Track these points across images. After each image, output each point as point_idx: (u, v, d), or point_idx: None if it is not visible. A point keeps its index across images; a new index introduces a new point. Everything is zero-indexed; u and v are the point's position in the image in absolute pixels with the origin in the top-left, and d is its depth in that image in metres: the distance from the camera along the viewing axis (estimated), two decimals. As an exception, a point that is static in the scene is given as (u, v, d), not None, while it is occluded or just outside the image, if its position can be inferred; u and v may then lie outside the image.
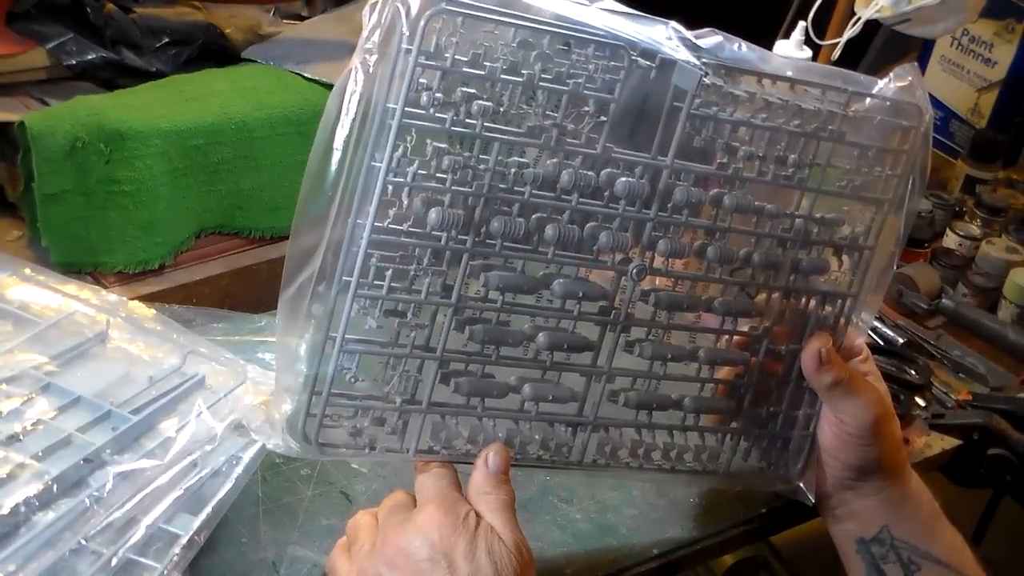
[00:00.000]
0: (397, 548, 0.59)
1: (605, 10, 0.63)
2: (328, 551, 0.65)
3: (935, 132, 1.45)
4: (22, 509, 0.64)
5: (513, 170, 0.63)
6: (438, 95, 0.59)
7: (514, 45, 0.61)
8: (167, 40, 1.13)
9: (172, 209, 1.01)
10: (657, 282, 0.71)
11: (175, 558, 0.65)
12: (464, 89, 0.60)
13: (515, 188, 0.63)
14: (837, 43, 1.13)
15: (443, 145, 0.61)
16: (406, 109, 0.59)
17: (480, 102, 0.60)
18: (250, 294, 1.03)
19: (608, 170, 0.65)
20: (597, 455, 0.72)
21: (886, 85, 0.72)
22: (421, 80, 0.59)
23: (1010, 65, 1.43)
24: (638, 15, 0.64)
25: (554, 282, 0.66)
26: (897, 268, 0.76)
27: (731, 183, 0.70)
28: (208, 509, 0.68)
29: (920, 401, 1.02)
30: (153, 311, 0.84)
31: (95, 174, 0.96)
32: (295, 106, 1.07)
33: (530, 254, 0.65)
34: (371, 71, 0.58)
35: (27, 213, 0.99)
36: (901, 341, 1.10)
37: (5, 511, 0.63)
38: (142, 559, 0.64)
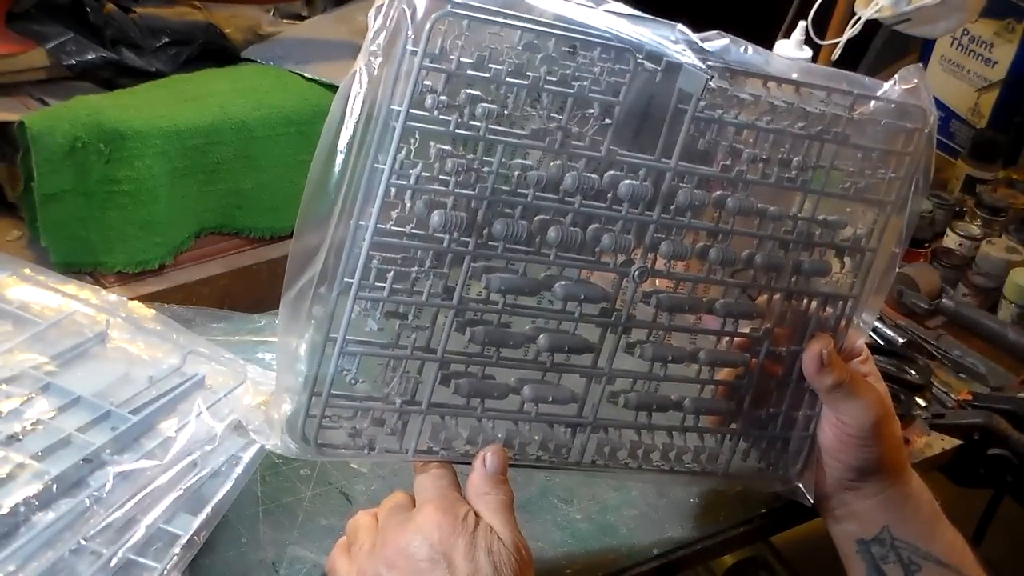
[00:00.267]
0: (397, 548, 0.59)
1: (611, 12, 0.63)
2: (328, 551, 0.65)
3: (935, 132, 1.44)
4: (22, 509, 0.64)
5: (516, 172, 0.63)
6: (442, 97, 0.59)
7: (519, 48, 0.61)
8: (167, 40, 1.13)
9: (172, 209, 1.01)
10: (658, 283, 0.71)
11: (175, 558, 0.65)
12: (468, 91, 0.60)
13: (518, 190, 0.63)
14: (837, 43, 1.13)
15: (447, 147, 0.61)
16: (410, 111, 0.58)
17: (484, 104, 0.60)
18: (250, 294, 1.03)
19: (611, 172, 0.65)
20: (596, 456, 0.72)
21: (891, 87, 0.72)
22: (426, 82, 0.59)
23: (1010, 65, 1.43)
24: (644, 17, 0.63)
25: (556, 284, 0.66)
26: (898, 268, 0.76)
27: (734, 185, 0.70)
28: (208, 509, 0.68)
29: (920, 401, 1.02)
30: (153, 311, 0.84)
31: (95, 174, 0.96)
32: (295, 106, 1.07)
33: (532, 256, 0.65)
34: (375, 73, 0.58)
35: (27, 213, 0.99)
36: (901, 341, 1.10)
37: (5, 511, 0.63)
38: (142, 559, 0.64)
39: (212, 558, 0.72)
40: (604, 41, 0.62)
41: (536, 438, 0.70)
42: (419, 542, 0.59)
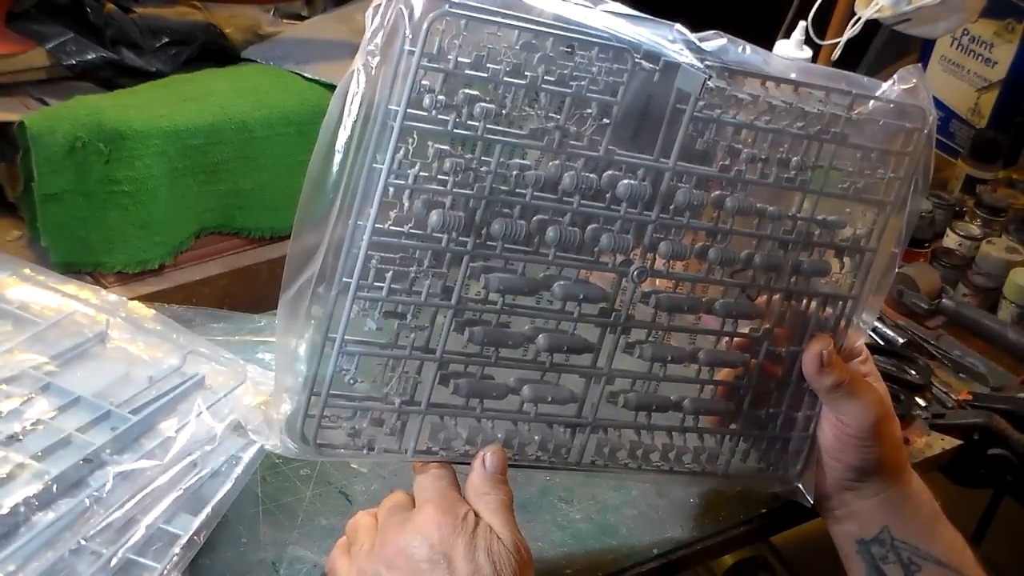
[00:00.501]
0: (396, 548, 0.59)
1: (609, 12, 0.63)
2: (328, 551, 0.65)
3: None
4: (22, 509, 0.64)
5: (515, 172, 0.63)
6: (440, 97, 0.59)
7: (517, 47, 0.61)
8: (167, 40, 1.13)
9: (172, 209, 1.01)
10: (658, 283, 0.71)
11: (175, 558, 0.65)
12: (466, 91, 0.60)
13: (516, 190, 0.63)
14: (837, 43, 1.13)
15: (445, 147, 0.61)
16: (408, 111, 0.58)
17: (483, 104, 0.60)
18: (250, 294, 1.03)
19: (610, 172, 0.65)
20: (596, 456, 0.72)
21: (890, 87, 0.72)
22: (424, 82, 0.59)
23: (1010, 65, 1.43)
24: (642, 17, 0.63)
25: (555, 284, 0.66)
26: (897, 268, 0.76)
27: (733, 185, 0.70)
28: (208, 509, 0.68)
29: (920, 401, 1.02)
30: (153, 311, 0.84)
31: (95, 174, 0.96)
32: (295, 106, 1.07)
33: (531, 256, 0.65)
34: (373, 73, 0.58)
35: (27, 213, 0.99)
36: (901, 341, 1.10)
37: (5, 511, 0.63)
38: (142, 559, 0.64)
39: (212, 558, 0.72)
40: (602, 41, 0.62)
41: (535, 438, 0.70)
42: (419, 542, 0.59)
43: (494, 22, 0.59)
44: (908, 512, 0.76)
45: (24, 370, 0.74)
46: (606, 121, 0.64)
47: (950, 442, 0.99)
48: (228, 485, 0.70)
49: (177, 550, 0.65)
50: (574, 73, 0.62)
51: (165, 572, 0.64)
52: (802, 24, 1.11)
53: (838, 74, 0.72)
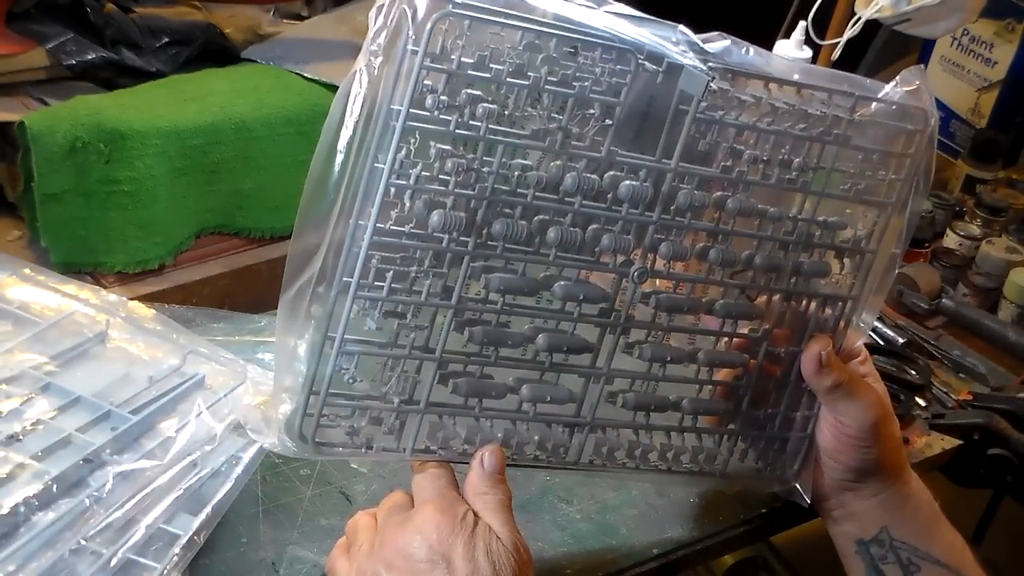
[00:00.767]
0: (396, 549, 0.59)
1: (612, 13, 0.63)
2: (327, 551, 0.65)
3: (935, 132, 1.44)
4: (22, 509, 0.64)
5: (516, 173, 0.63)
6: (443, 97, 0.59)
7: (520, 48, 0.61)
8: (167, 40, 1.13)
9: (172, 209, 1.01)
10: (658, 284, 0.71)
11: (175, 558, 0.65)
12: (469, 91, 0.60)
13: (518, 191, 0.63)
14: (837, 43, 1.13)
15: (447, 147, 0.61)
16: (410, 111, 0.58)
17: (485, 105, 0.60)
18: (250, 294, 1.03)
19: (612, 173, 0.65)
20: (594, 456, 0.72)
21: (893, 89, 0.72)
22: (426, 82, 0.59)
23: (1010, 65, 1.43)
24: (645, 18, 0.63)
25: (555, 284, 0.66)
26: (898, 269, 0.76)
27: (735, 186, 0.70)
28: (208, 509, 0.68)
29: (920, 401, 1.02)
30: (153, 311, 0.84)
31: (95, 174, 0.96)
32: (295, 106, 1.07)
33: (532, 256, 0.65)
34: (376, 73, 0.58)
35: (27, 213, 0.99)
36: (901, 341, 1.10)
37: (5, 511, 0.63)
38: (142, 559, 0.65)
39: (212, 558, 0.72)
40: (605, 42, 0.62)
41: (534, 438, 0.70)
42: (418, 542, 0.59)
43: (497, 22, 0.59)
44: (907, 512, 0.76)
45: (24, 370, 0.74)
46: (608, 122, 0.64)
47: (950, 442, 0.99)
48: (228, 485, 0.70)
49: (177, 550, 0.65)
50: (577, 74, 0.62)
51: (165, 572, 0.64)
52: (802, 24, 1.11)
53: (840, 76, 0.72)
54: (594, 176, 0.64)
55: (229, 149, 1.03)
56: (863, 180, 0.73)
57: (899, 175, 0.74)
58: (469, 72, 0.60)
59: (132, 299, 0.86)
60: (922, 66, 0.74)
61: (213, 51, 1.17)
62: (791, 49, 1.11)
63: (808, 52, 1.12)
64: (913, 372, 1.05)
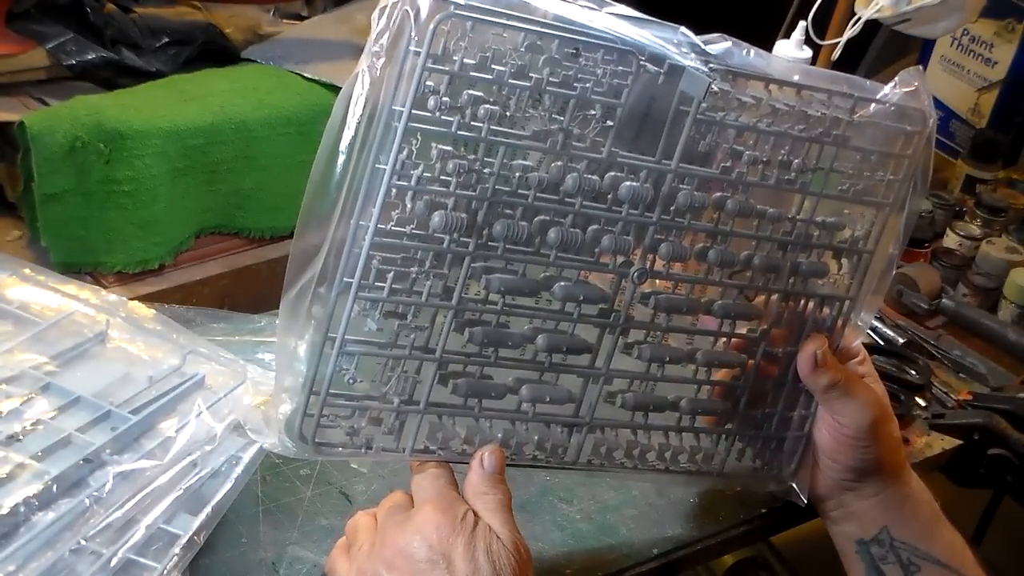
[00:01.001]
0: (396, 549, 0.59)
1: (614, 14, 0.63)
2: (328, 551, 0.66)
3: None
4: (22, 509, 0.64)
5: (517, 174, 0.63)
6: (445, 99, 0.59)
7: (522, 49, 0.61)
8: (167, 40, 1.13)
9: (172, 209, 1.01)
10: (657, 284, 0.71)
11: (175, 558, 0.65)
12: (471, 92, 0.60)
13: (519, 191, 0.63)
14: (837, 43, 1.13)
15: (448, 148, 0.61)
16: (412, 112, 0.58)
17: (487, 106, 0.60)
18: (250, 294, 1.03)
19: (612, 174, 0.65)
20: (593, 456, 0.72)
21: (892, 90, 0.72)
22: (428, 83, 0.59)
23: (1010, 65, 1.43)
24: (647, 19, 0.63)
25: (555, 285, 0.66)
26: (897, 268, 0.76)
27: (734, 187, 0.70)
28: (208, 509, 0.68)
29: (920, 401, 1.02)
30: (153, 311, 0.84)
31: (95, 174, 0.96)
32: (295, 106, 1.07)
33: (532, 257, 0.65)
34: (378, 74, 0.58)
35: (27, 213, 0.99)
36: (901, 341, 1.10)
37: (5, 511, 0.63)
38: (142, 559, 0.65)
39: (212, 558, 0.72)
40: (607, 43, 0.62)
41: (533, 438, 0.70)
42: (418, 542, 0.59)
43: (499, 24, 0.59)
44: (907, 512, 0.76)
45: (24, 370, 0.74)
46: (609, 123, 0.64)
47: (950, 442, 0.99)
48: (228, 485, 0.70)
49: (177, 550, 0.65)
50: (578, 75, 0.62)
51: (165, 572, 0.64)
52: (802, 24, 1.11)
53: (840, 77, 0.72)
54: (595, 177, 0.64)
55: (229, 149, 1.03)
56: (861, 181, 0.74)
57: (897, 176, 0.74)
58: (471, 73, 0.60)
59: (132, 299, 0.86)
60: (920, 67, 0.74)
61: (213, 51, 1.17)
62: (791, 49, 1.11)
63: (808, 52, 1.12)
64: (913, 372, 1.05)
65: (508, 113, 0.61)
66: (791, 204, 0.73)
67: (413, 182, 0.60)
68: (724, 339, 0.75)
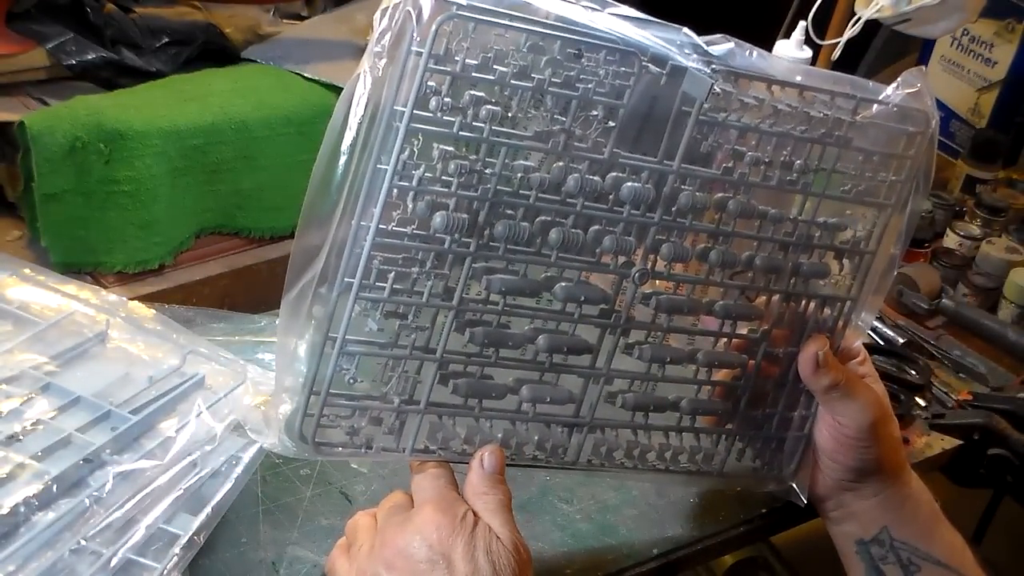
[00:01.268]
0: (396, 549, 0.59)
1: (616, 15, 0.63)
2: (328, 551, 0.65)
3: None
4: (22, 509, 0.64)
5: (519, 174, 0.63)
6: (447, 99, 0.59)
7: (524, 50, 0.60)
8: (167, 40, 1.13)
9: (172, 209, 1.01)
10: (658, 284, 0.71)
11: (175, 558, 0.65)
12: (472, 93, 0.60)
13: (520, 192, 0.63)
14: (837, 43, 1.13)
15: (450, 148, 0.61)
16: (414, 112, 0.58)
17: (489, 106, 0.60)
18: (250, 294, 1.03)
19: (614, 174, 0.65)
20: (593, 456, 0.72)
21: (894, 91, 0.72)
22: (430, 84, 0.58)
23: (1010, 65, 1.43)
24: (649, 20, 0.63)
25: (556, 285, 0.66)
26: (897, 269, 0.76)
27: (736, 188, 0.70)
28: (208, 509, 0.68)
29: (920, 401, 1.02)
30: (153, 311, 0.84)
31: (95, 174, 0.96)
32: (295, 106, 1.07)
33: (533, 257, 0.65)
34: (380, 75, 0.58)
35: (27, 213, 0.99)
36: (901, 341, 1.10)
37: (5, 511, 0.63)
38: (142, 559, 0.64)
39: (212, 558, 0.72)
40: (609, 44, 0.62)
41: (533, 438, 0.70)
42: (418, 543, 0.59)
43: (502, 24, 0.59)
44: (907, 512, 0.76)
45: (24, 370, 0.74)
46: (611, 124, 0.63)
47: (950, 442, 0.99)
48: (228, 485, 0.70)
49: (177, 550, 0.65)
50: (580, 76, 0.62)
51: (165, 572, 0.64)
52: (802, 24, 1.11)
53: (842, 78, 0.72)
54: (596, 178, 0.64)
55: (229, 149, 1.03)
56: (863, 181, 0.74)
57: (899, 176, 0.74)
58: (473, 74, 0.60)
59: (132, 299, 0.86)
60: (923, 68, 0.74)
61: (213, 51, 1.17)
62: (791, 49, 1.11)
63: (808, 52, 1.12)
64: (913, 372, 1.05)
65: (510, 114, 0.61)
66: (792, 205, 0.73)
67: (414, 182, 0.60)
68: (725, 339, 0.75)
